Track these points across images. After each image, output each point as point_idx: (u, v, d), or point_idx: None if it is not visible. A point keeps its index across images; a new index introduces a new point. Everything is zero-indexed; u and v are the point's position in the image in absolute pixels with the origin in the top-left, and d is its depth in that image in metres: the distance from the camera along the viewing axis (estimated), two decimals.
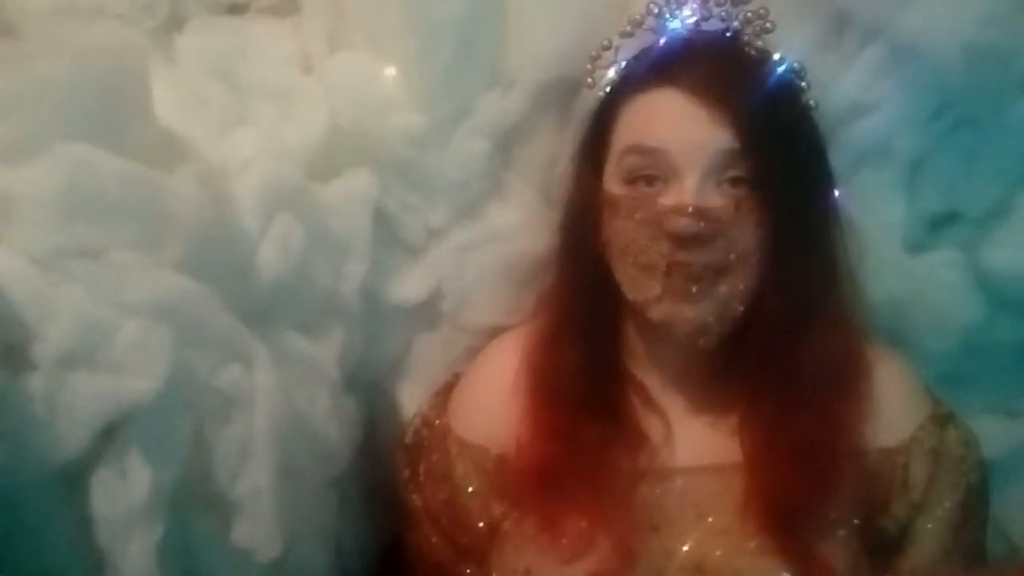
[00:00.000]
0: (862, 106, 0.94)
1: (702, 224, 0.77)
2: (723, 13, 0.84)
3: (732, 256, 0.78)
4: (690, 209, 0.77)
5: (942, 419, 0.87)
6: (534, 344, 0.90)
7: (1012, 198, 0.97)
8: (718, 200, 0.78)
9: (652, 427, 0.87)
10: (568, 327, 0.88)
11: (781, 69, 0.83)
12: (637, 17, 0.86)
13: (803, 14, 0.92)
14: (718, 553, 0.81)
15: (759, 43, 0.84)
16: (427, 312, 1.00)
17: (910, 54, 0.92)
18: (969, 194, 0.98)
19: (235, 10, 1.03)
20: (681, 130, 0.79)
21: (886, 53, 0.93)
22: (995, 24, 0.89)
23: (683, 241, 0.78)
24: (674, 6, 0.85)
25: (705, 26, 0.85)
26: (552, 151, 0.98)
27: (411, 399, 1.01)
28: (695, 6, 0.85)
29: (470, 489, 0.90)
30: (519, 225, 0.98)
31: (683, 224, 0.77)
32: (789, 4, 0.89)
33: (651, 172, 0.80)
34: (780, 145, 0.79)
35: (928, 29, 0.90)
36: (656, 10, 0.85)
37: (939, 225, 1.00)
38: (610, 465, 0.84)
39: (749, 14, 0.84)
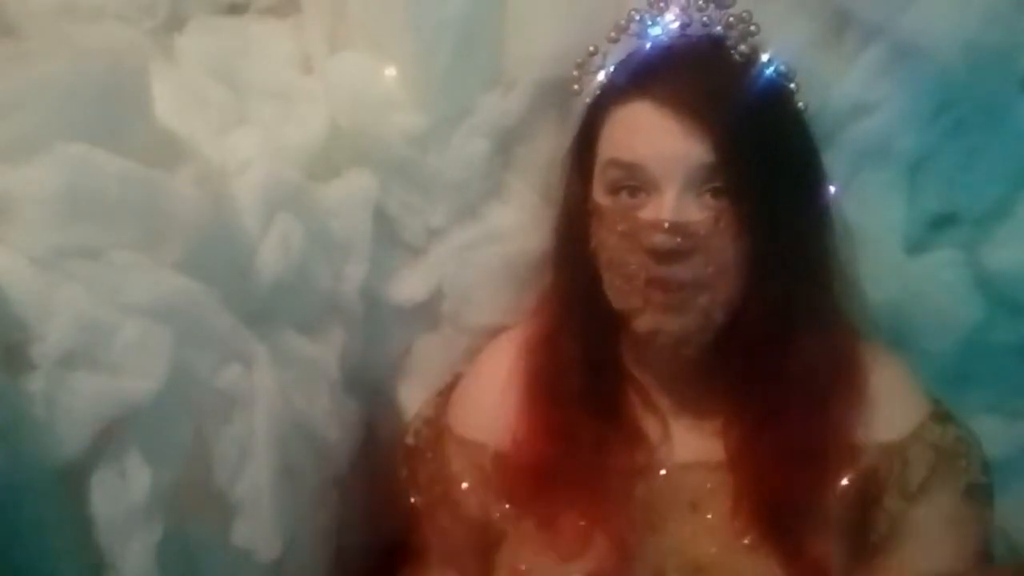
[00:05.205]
0: (863, 106, 0.94)
1: (679, 240, 0.77)
2: (705, 18, 0.83)
3: (711, 269, 0.78)
4: (666, 225, 0.77)
5: (943, 418, 0.86)
6: (532, 342, 0.90)
7: (1012, 198, 0.98)
8: (698, 213, 0.78)
9: (650, 425, 0.87)
10: (567, 326, 0.88)
11: (767, 73, 0.82)
12: (622, 22, 0.85)
13: (803, 14, 0.92)
14: (713, 551, 0.82)
15: (743, 47, 0.82)
16: (427, 312, 1.00)
17: (911, 54, 0.92)
18: (969, 194, 0.98)
19: (235, 10, 1.03)
20: (657, 145, 0.78)
21: (887, 53, 0.93)
22: (995, 24, 0.89)
23: (661, 256, 0.78)
24: (656, 12, 0.84)
25: (688, 32, 0.83)
26: (552, 151, 0.97)
27: (411, 399, 1.01)
28: (677, 11, 0.83)
29: (464, 485, 0.90)
30: (519, 225, 0.98)
31: (660, 240, 0.77)
32: (790, 4, 0.89)
33: (633, 184, 0.80)
34: (761, 155, 0.78)
35: (929, 29, 0.90)
36: (638, 16, 0.85)
37: (939, 225, 1.00)
38: (608, 463, 0.85)
39: (731, 19, 0.82)
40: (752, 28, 0.83)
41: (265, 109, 0.96)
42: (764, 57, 0.83)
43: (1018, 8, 0.90)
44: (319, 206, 0.92)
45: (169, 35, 0.98)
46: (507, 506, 0.88)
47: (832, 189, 0.86)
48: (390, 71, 0.96)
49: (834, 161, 0.87)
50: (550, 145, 0.98)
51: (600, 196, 0.83)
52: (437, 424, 0.95)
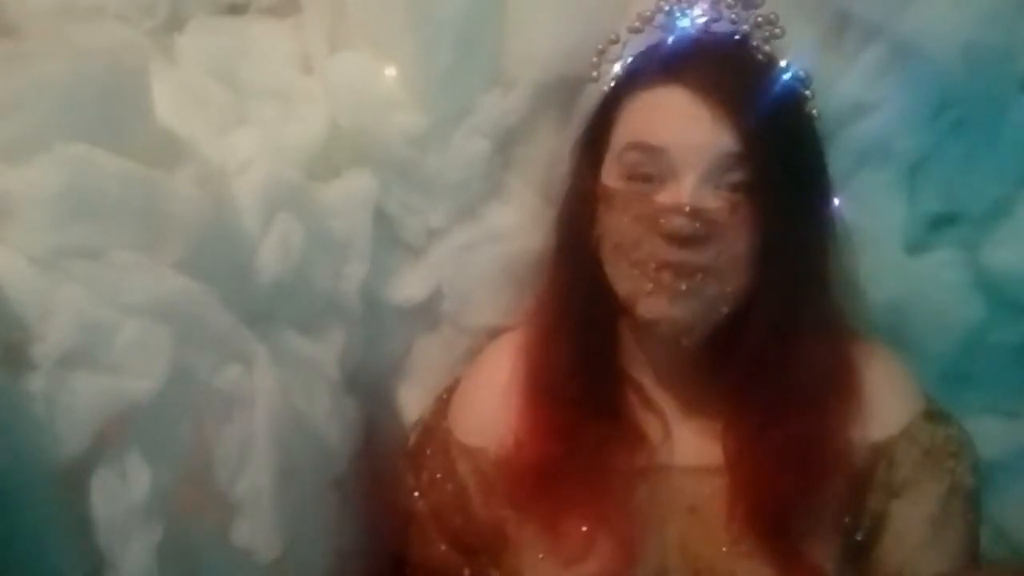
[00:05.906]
0: (862, 106, 0.94)
1: (697, 224, 0.77)
2: (733, 16, 0.84)
3: (724, 258, 0.78)
4: (687, 208, 0.77)
5: (934, 417, 0.86)
6: (530, 345, 0.90)
7: (1012, 198, 0.98)
8: (714, 202, 0.78)
9: (650, 426, 0.87)
10: (563, 326, 0.88)
11: (787, 76, 0.83)
12: (647, 13, 0.86)
13: (803, 14, 0.92)
14: (710, 555, 0.82)
15: (767, 48, 0.83)
16: (427, 312, 1.00)
17: (910, 54, 0.92)
18: (969, 194, 0.98)
19: (235, 10, 1.02)
20: (683, 130, 0.79)
21: (886, 53, 0.93)
22: (995, 24, 0.89)
23: (677, 240, 0.77)
24: (685, 5, 0.85)
25: (715, 27, 0.84)
26: (552, 151, 0.98)
27: (411, 400, 1.01)
28: (705, 6, 0.84)
29: (471, 490, 0.90)
30: (519, 225, 0.98)
31: (678, 223, 0.77)
32: (790, 4, 0.89)
33: (650, 170, 0.80)
34: (780, 152, 0.79)
35: (928, 29, 0.90)
36: (666, 7, 0.85)
37: (939, 225, 1.00)
38: (609, 465, 0.84)
39: (759, 18, 0.83)
40: (777, 31, 0.83)
41: (265, 109, 0.96)
42: (783, 62, 0.84)
43: (1018, 8, 0.90)
44: (319, 206, 0.92)
45: (169, 35, 0.97)
46: (509, 510, 0.88)
47: (836, 201, 0.87)
48: (390, 71, 0.96)
49: (834, 161, 0.87)
50: (550, 145, 0.98)
51: (612, 181, 0.83)
52: (438, 429, 0.95)
